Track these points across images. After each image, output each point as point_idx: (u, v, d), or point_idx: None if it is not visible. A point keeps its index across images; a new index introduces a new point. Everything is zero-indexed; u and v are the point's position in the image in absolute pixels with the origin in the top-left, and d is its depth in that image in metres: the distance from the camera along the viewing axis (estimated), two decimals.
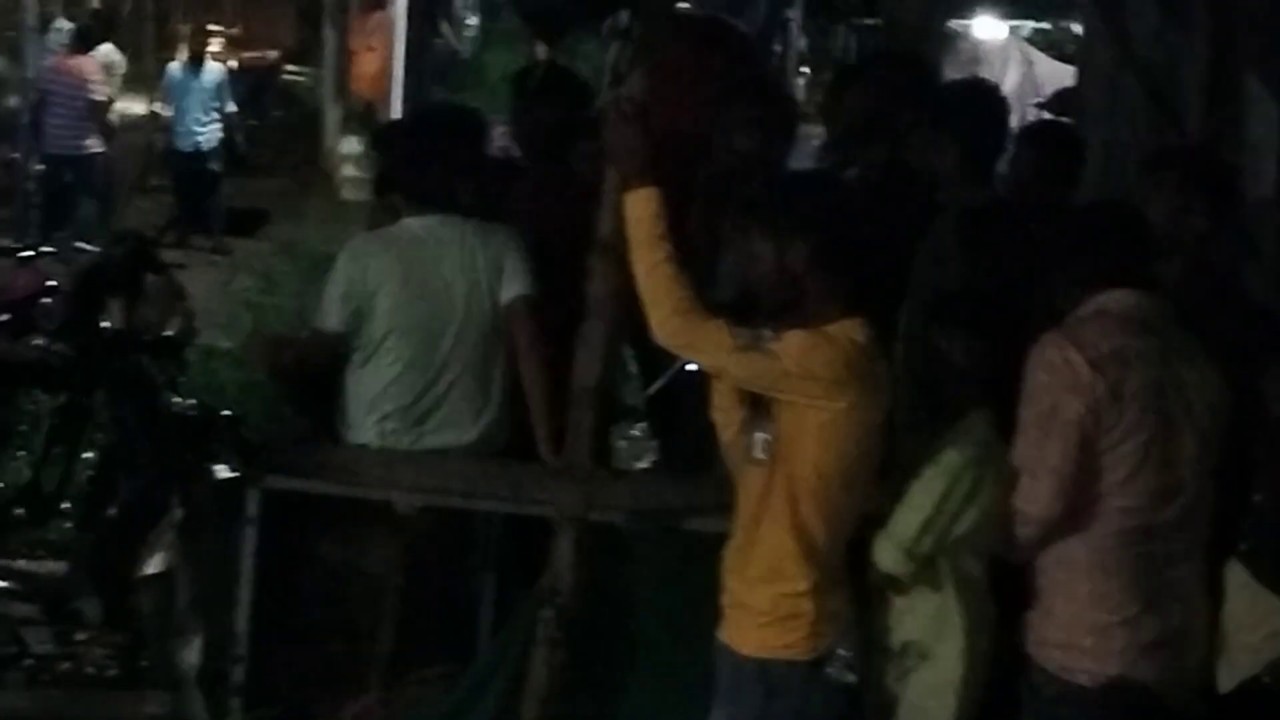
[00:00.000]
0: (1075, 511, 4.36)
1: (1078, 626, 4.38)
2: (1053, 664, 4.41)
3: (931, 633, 4.36)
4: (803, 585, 4.22)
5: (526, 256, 5.67)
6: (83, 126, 16.30)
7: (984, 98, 6.16)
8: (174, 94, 17.43)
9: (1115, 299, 4.44)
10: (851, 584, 4.33)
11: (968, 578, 4.37)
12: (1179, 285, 4.83)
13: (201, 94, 17.22)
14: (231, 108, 17.68)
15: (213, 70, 17.57)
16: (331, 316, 5.64)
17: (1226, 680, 4.47)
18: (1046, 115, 11.52)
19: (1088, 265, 4.51)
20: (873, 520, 4.36)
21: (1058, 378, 4.31)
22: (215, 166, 17.15)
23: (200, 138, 17.04)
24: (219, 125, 17.28)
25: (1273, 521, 4.43)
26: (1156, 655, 4.38)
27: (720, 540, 4.42)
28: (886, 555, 4.33)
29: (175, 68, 17.85)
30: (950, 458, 4.33)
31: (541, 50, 11.81)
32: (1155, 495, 4.35)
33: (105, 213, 16.60)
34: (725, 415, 4.45)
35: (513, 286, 5.65)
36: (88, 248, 9.07)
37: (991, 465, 4.35)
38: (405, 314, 5.61)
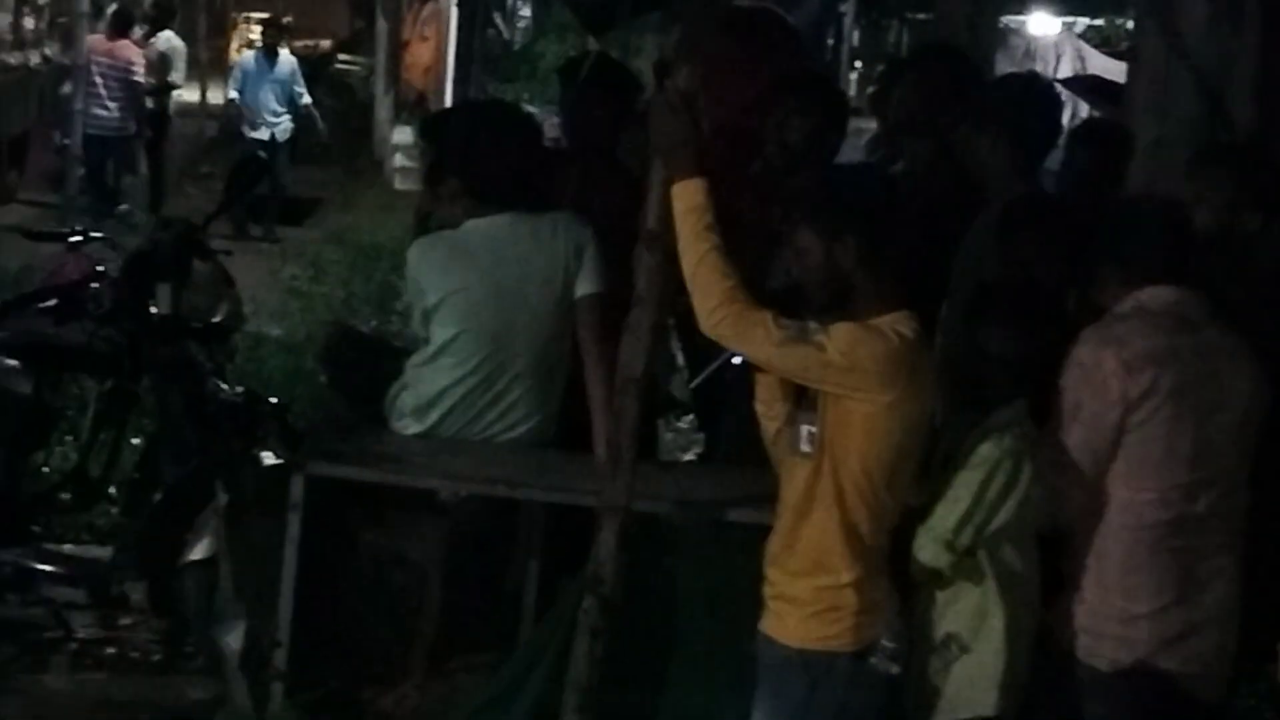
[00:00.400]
0: (1107, 505, 4.42)
1: (1105, 614, 4.45)
2: (1077, 647, 4.47)
3: (972, 625, 4.36)
4: (846, 577, 4.22)
5: (599, 253, 5.67)
6: (123, 109, 16.48)
7: (1036, 93, 6.15)
8: (248, 84, 17.64)
9: (1154, 296, 4.47)
10: (894, 575, 4.33)
11: (1008, 570, 4.37)
12: (1230, 284, 4.82)
13: (275, 84, 17.47)
14: (306, 99, 17.82)
15: (286, 61, 17.90)
16: (419, 325, 5.72)
17: None
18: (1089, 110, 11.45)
19: (1127, 261, 4.54)
20: (914, 512, 4.36)
21: (1087, 377, 4.37)
22: (287, 157, 17.54)
23: (276, 128, 17.37)
24: (291, 115, 17.54)
25: None
26: (1181, 647, 4.42)
27: (765, 532, 4.42)
28: (927, 548, 4.33)
29: (249, 58, 18.03)
30: (988, 450, 4.33)
31: (592, 42, 11.83)
32: (1187, 490, 4.40)
33: (155, 198, 16.77)
34: (768, 408, 4.45)
35: (586, 283, 5.65)
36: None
37: (1028, 457, 4.35)
38: (477, 316, 5.61)
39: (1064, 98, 7.67)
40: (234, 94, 18.02)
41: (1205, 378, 4.41)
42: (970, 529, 4.31)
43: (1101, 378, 4.34)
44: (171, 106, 18.12)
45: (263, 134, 17.37)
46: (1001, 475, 4.31)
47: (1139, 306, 4.47)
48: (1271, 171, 5.20)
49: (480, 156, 5.77)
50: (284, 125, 17.65)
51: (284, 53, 18.16)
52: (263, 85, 17.58)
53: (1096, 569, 4.46)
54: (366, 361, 5.97)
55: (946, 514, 4.31)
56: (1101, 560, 4.45)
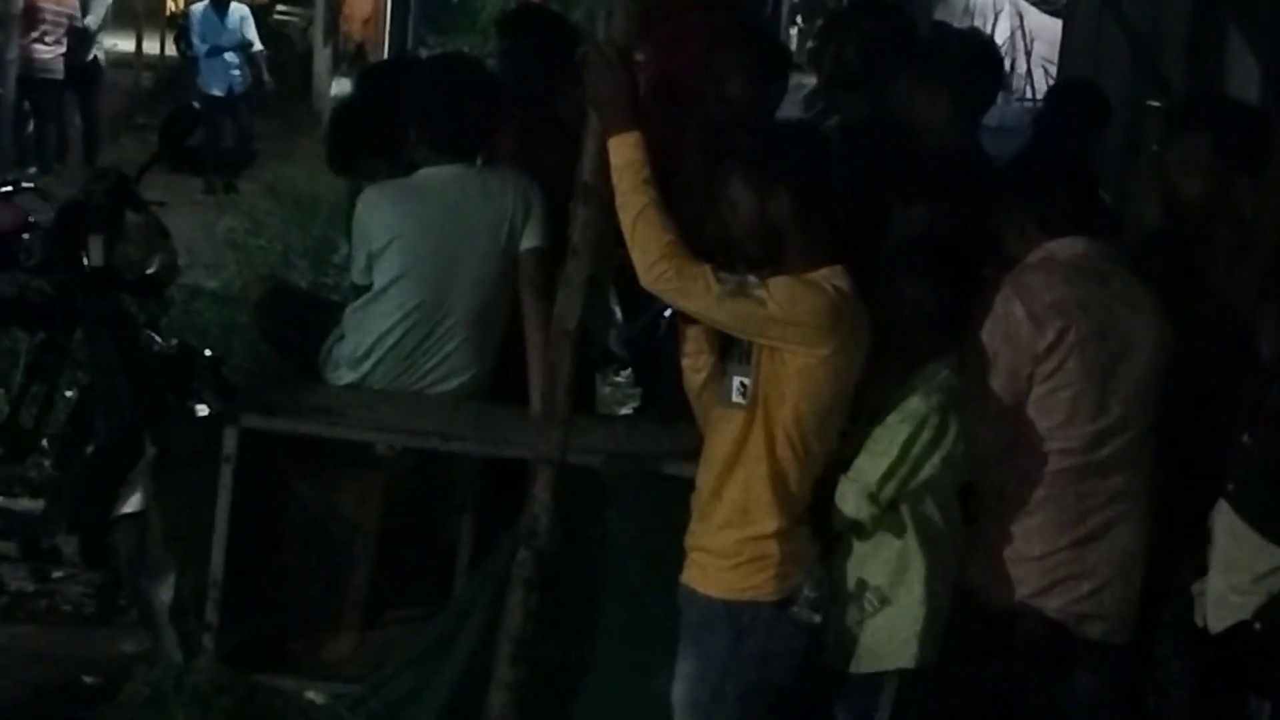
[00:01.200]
0: (1014, 450, 4.49)
1: (1002, 554, 4.53)
2: (973, 585, 4.54)
3: (892, 578, 4.37)
4: (771, 527, 4.24)
5: (545, 209, 5.68)
6: (56, 52, 16.39)
7: (977, 48, 6.16)
8: (200, 36, 17.51)
9: (1063, 246, 4.55)
10: (816, 524, 4.34)
11: (930, 524, 4.38)
12: (1218, 242, 4.91)
13: (229, 35, 17.34)
14: (258, 46, 17.73)
15: (237, 10, 17.67)
16: (361, 273, 5.70)
17: (1216, 621, 4.51)
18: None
19: (1036, 213, 4.60)
20: (838, 463, 4.37)
21: (999, 326, 4.45)
22: (247, 108, 17.60)
23: (234, 80, 17.35)
24: (248, 66, 17.50)
25: (1260, 462, 4.43)
26: (1072, 588, 4.51)
27: (694, 485, 4.43)
28: (850, 500, 4.33)
29: (199, 9, 17.86)
30: (915, 405, 4.33)
31: None
32: (1092, 437, 4.48)
33: (89, 150, 16.64)
34: (694, 360, 4.46)
35: (531, 238, 5.68)
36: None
37: (955, 412, 4.35)
38: (420, 261, 5.63)
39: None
40: (197, 44, 17.82)
41: (1111, 328, 4.48)
42: (894, 482, 4.31)
43: (1013, 327, 4.41)
44: (102, 56, 17.91)
45: (219, 89, 17.33)
46: (928, 431, 4.31)
47: (1048, 257, 4.54)
48: (1255, 128, 5.18)
49: (441, 108, 5.77)
50: (241, 77, 17.58)
51: (234, 3, 17.91)
52: (218, 37, 17.47)
53: (998, 511, 4.54)
54: (300, 316, 5.95)
55: (872, 467, 4.31)
56: (1004, 503, 4.53)
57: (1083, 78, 8.51)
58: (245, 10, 18.08)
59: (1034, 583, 4.47)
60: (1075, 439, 4.45)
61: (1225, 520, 4.46)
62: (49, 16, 16.30)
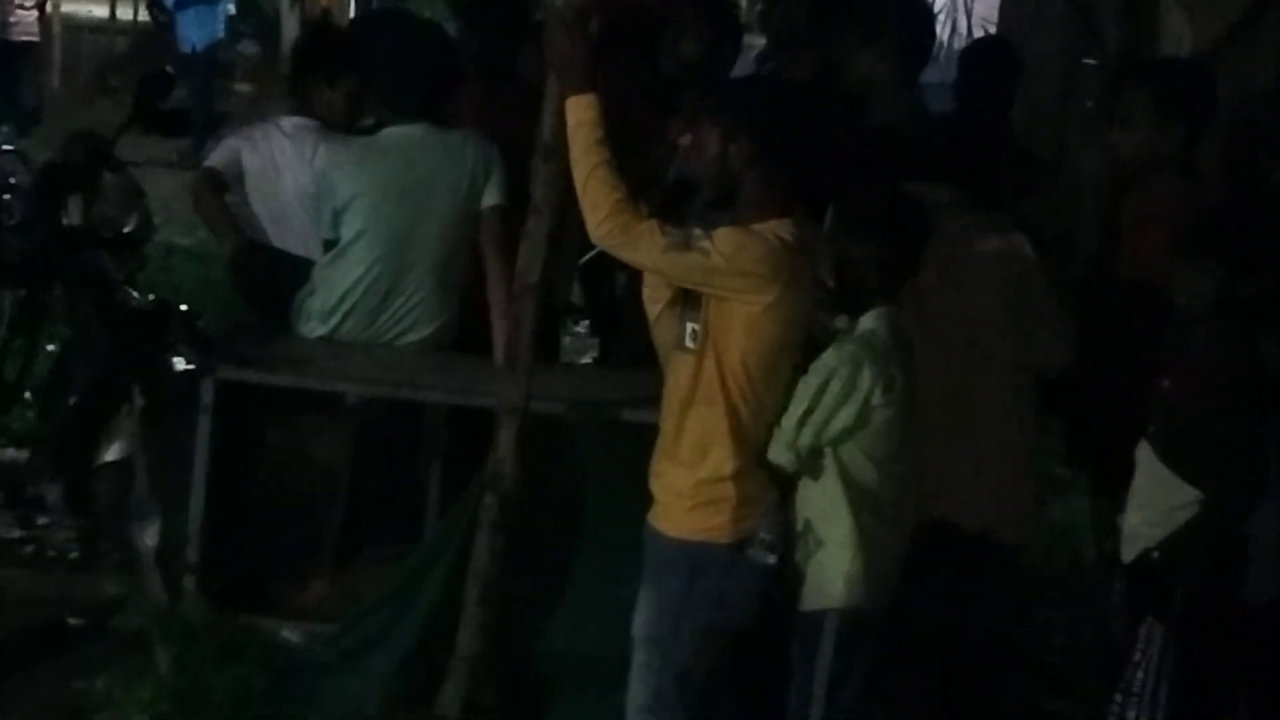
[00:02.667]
0: None
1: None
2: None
3: (821, 522, 4.37)
4: (727, 469, 4.25)
5: (504, 167, 5.68)
6: (33, 16, 16.30)
7: (917, 8, 6.18)
8: None
9: (928, 191, 4.72)
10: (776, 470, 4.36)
11: (853, 477, 4.35)
12: (1168, 195, 4.91)
13: None
14: (230, 9, 17.52)
15: None
16: (326, 226, 5.70)
17: (1129, 551, 4.54)
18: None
19: (907, 165, 4.87)
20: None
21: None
22: (207, 68, 17.14)
23: (197, 41, 16.95)
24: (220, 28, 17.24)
25: (1178, 407, 4.47)
26: (950, 496, 4.74)
27: (656, 431, 4.44)
28: (773, 447, 4.33)
29: None
30: (828, 356, 4.32)
31: None
32: (961, 363, 4.71)
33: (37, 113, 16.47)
34: (653, 290, 4.46)
35: (491, 195, 5.69)
36: None
37: (875, 363, 4.31)
38: (381, 216, 5.64)
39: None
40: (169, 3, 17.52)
41: (968, 254, 4.73)
42: (809, 430, 4.29)
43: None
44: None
45: (187, 47, 16.98)
46: (838, 381, 4.27)
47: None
48: (1198, 82, 5.21)
49: (399, 68, 5.78)
50: (207, 35, 17.16)
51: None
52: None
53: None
54: (272, 272, 5.94)
55: (789, 416, 4.31)
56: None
57: (990, 38, 8.53)
58: None
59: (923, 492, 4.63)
60: (944, 362, 4.72)
61: (1145, 458, 4.50)
62: None
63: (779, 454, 4.32)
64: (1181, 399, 4.48)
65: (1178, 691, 4.44)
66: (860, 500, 4.35)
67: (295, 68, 6.51)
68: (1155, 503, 4.48)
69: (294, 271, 6.04)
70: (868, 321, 4.39)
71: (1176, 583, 4.43)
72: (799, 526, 4.38)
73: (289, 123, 6.12)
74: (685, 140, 4.73)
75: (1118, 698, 4.50)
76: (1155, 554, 4.46)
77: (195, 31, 16.95)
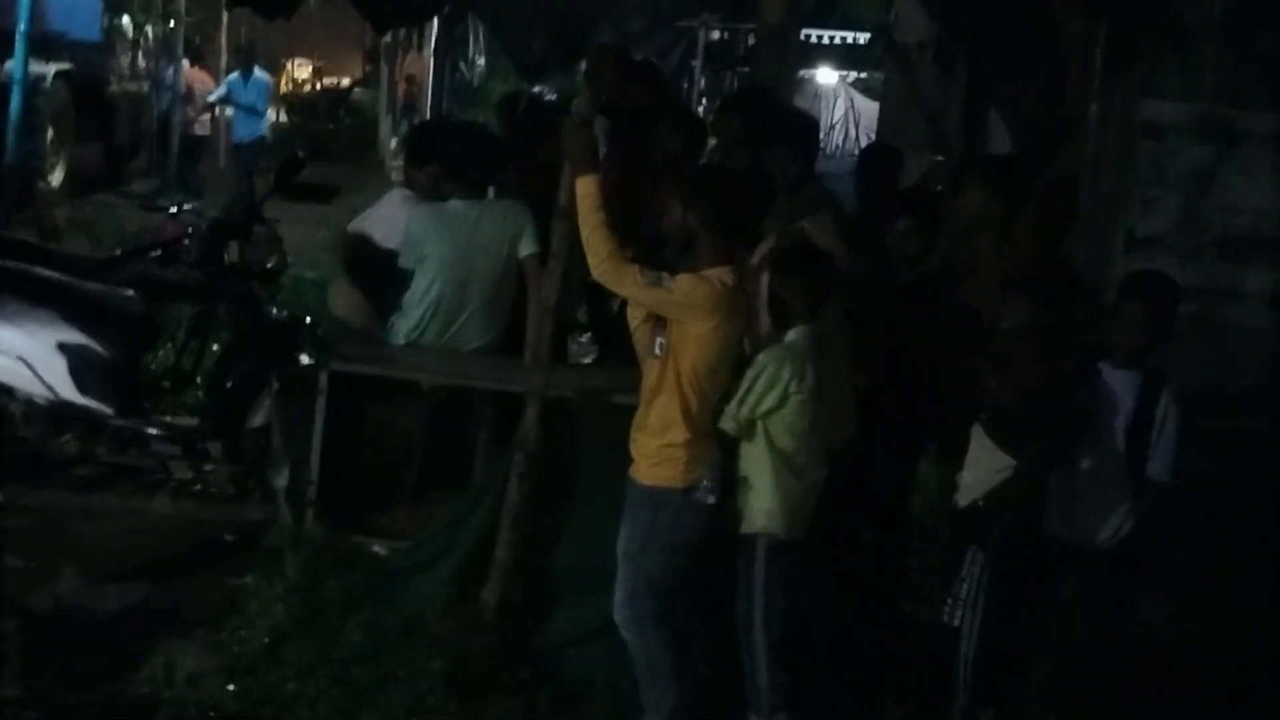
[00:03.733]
0: None
1: None
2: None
3: (755, 470, 4.38)
4: (680, 438, 4.25)
5: (536, 226, 5.63)
6: (205, 117, 16.25)
7: (803, 120, 6.16)
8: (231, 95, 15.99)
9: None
10: (720, 437, 4.35)
11: (777, 444, 4.36)
12: (990, 250, 4.86)
13: (246, 96, 15.77)
14: (261, 108, 16.03)
15: (260, 77, 16.11)
16: (407, 260, 5.64)
17: (963, 499, 4.53)
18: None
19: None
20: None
21: None
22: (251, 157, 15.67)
23: (249, 137, 15.78)
24: (264, 127, 16.19)
25: (1000, 399, 4.47)
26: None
27: (635, 410, 4.44)
28: (722, 419, 4.35)
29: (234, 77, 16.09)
30: (762, 357, 4.35)
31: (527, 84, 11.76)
32: None
33: (200, 188, 16.43)
34: (633, 311, 4.46)
35: (527, 246, 5.64)
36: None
37: (792, 364, 4.33)
38: (449, 267, 5.60)
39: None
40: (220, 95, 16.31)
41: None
42: (745, 407, 4.32)
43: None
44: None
45: (245, 137, 15.66)
46: (765, 375, 4.31)
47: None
48: (1016, 172, 5.15)
49: (462, 161, 5.74)
50: (251, 132, 15.62)
51: (257, 71, 15.98)
52: (241, 97, 15.78)
53: None
54: (374, 261, 5.91)
55: (734, 398, 4.33)
56: None
57: (881, 142, 8.54)
58: (264, 77, 16.22)
59: None
60: None
61: (978, 435, 4.50)
62: (198, 91, 16.19)
63: (725, 423, 4.33)
64: (1002, 394, 4.47)
65: (991, 600, 4.43)
66: (780, 458, 4.36)
67: (402, 155, 6.51)
68: (982, 466, 4.47)
69: (391, 264, 5.97)
70: (791, 335, 4.40)
71: (994, 522, 4.43)
72: (739, 476, 4.38)
73: (399, 194, 6.09)
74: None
75: (949, 603, 4.49)
76: (980, 502, 4.46)
77: (244, 129, 15.69)
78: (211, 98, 16.38)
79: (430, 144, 6.22)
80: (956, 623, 4.46)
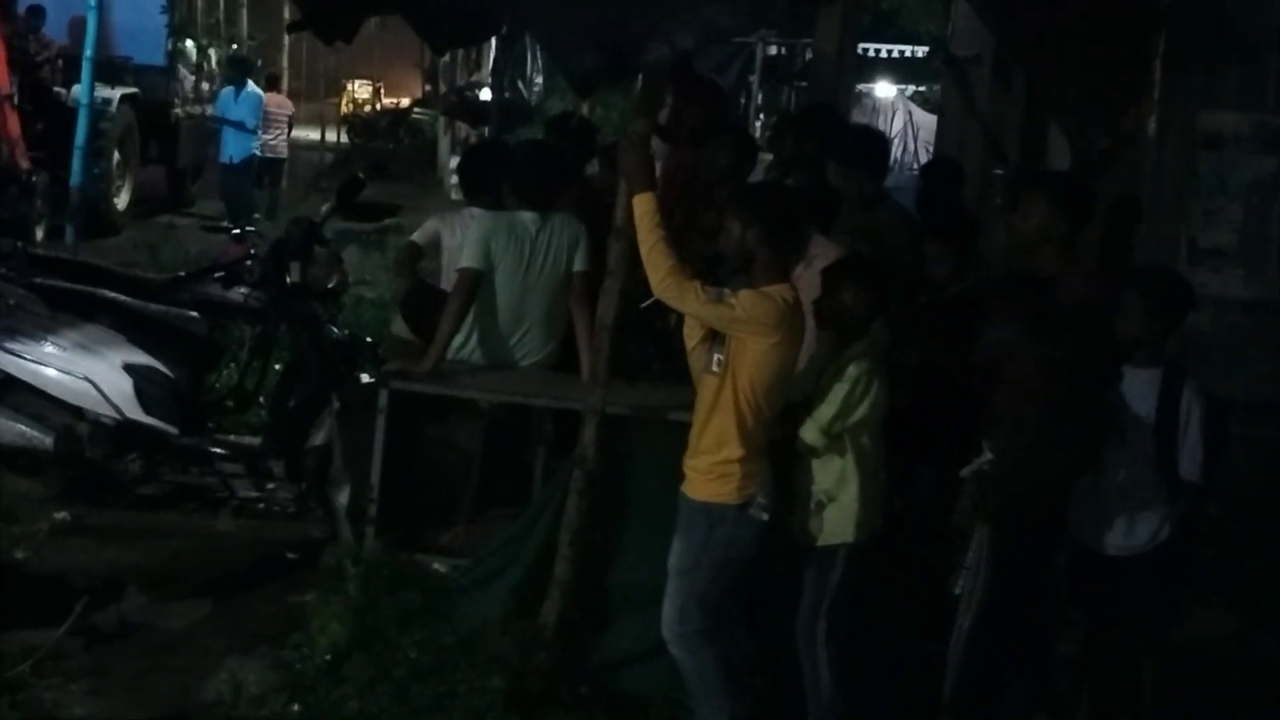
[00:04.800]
0: None
1: None
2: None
3: (837, 484, 4.38)
4: (735, 454, 4.25)
5: (589, 241, 5.62)
6: (277, 139, 16.38)
7: (876, 140, 6.16)
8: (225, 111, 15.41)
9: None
10: (774, 454, 4.35)
11: (863, 450, 4.39)
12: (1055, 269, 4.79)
13: (236, 111, 15.19)
14: (250, 124, 15.25)
15: (251, 91, 15.32)
16: (474, 261, 5.57)
17: (967, 469, 4.50)
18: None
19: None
20: (791, 412, 4.38)
21: None
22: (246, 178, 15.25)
23: (238, 155, 15.13)
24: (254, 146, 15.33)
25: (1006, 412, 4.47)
26: None
27: (689, 427, 4.44)
28: (809, 433, 4.35)
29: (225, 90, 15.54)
30: (853, 370, 4.36)
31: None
32: None
33: (276, 206, 16.57)
34: (690, 329, 4.46)
35: (580, 262, 5.61)
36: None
37: (877, 372, 4.39)
38: (510, 279, 5.57)
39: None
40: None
41: None
42: (840, 422, 4.34)
43: None
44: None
45: (224, 158, 15.04)
46: (860, 387, 4.34)
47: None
48: (1080, 191, 5.03)
49: (526, 177, 5.72)
50: (242, 151, 14.94)
51: (250, 86, 15.31)
52: (229, 113, 15.23)
53: None
54: (430, 304, 5.94)
55: (825, 411, 4.34)
56: None
57: (944, 156, 8.49)
58: (256, 91, 15.45)
59: None
60: None
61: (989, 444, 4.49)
62: (274, 115, 16.36)
63: (814, 438, 4.36)
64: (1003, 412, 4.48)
65: (995, 572, 4.44)
66: (864, 469, 4.39)
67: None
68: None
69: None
70: (859, 345, 4.42)
71: (994, 492, 4.42)
72: (812, 490, 4.40)
73: (469, 211, 6.08)
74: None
75: (956, 571, 4.49)
76: (986, 465, 4.42)
77: (235, 147, 14.99)
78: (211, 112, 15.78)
79: (481, 169, 6.20)
80: (958, 590, 4.47)
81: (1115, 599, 4.54)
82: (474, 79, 21.93)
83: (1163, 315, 4.45)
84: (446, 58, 21.57)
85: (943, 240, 5.24)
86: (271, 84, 17.20)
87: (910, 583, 4.86)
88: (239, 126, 14.92)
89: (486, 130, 16.97)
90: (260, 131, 15.68)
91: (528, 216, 5.61)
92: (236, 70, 15.31)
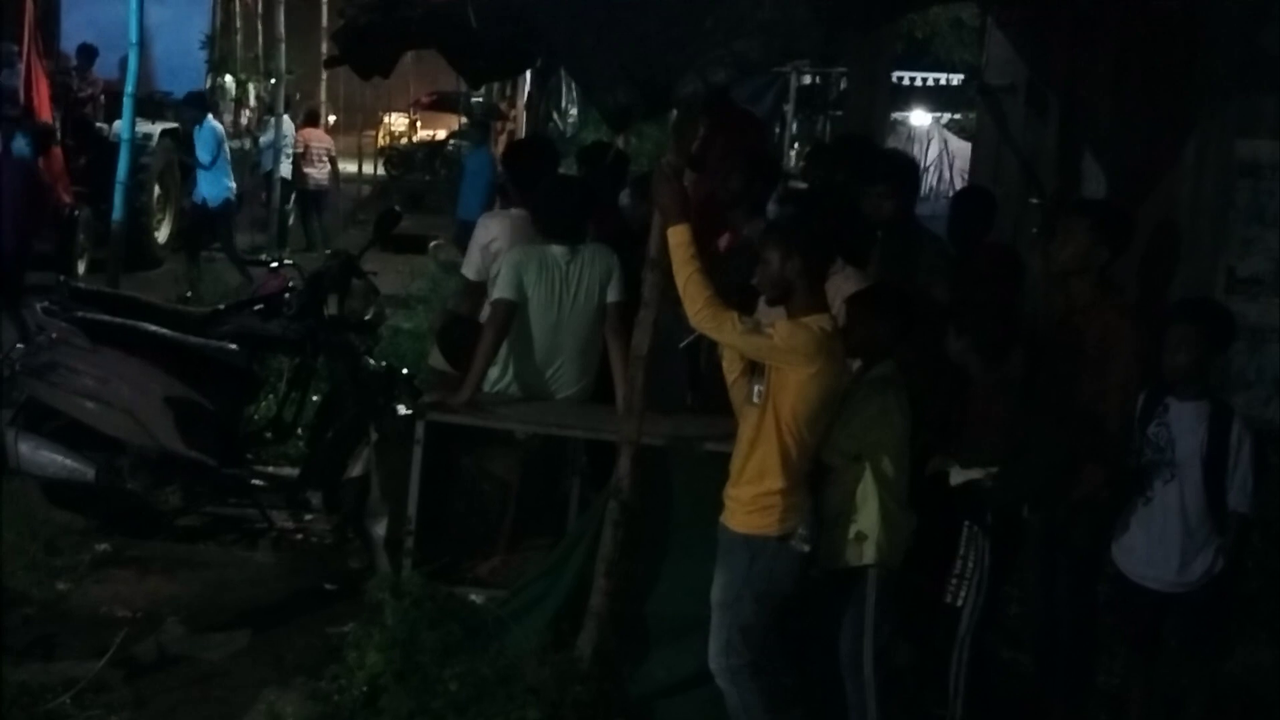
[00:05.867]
0: None
1: None
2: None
3: (856, 499, 4.38)
4: (777, 486, 4.24)
5: (622, 272, 5.62)
6: (319, 173, 16.58)
7: (907, 165, 6.15)
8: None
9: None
10: (813, 484, 4.35)
11: (882, 472, 4.38)
12: (1090, 297, 4.81)
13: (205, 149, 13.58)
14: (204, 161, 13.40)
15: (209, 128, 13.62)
16: (506, 292, 5.56)
17: (956, 479, 4.50)
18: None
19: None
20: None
21: None
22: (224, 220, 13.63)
23: (215, 199, 13.42)
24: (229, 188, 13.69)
25: (972, 438, 4.50)
26: None
27: (728, 458, 4.44)
28: (826, 453, 4.37)
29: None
30: (863, 391, 4.40)
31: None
32: None
33: (326, 237, 16.77)
34: (730, 364, 4.48)
35: (614, 293, 5.60)
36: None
37: (895, 395, 4.40)
38: (544, 311, 5.57)
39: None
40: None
41: None
42: (856, 442, 4.36)
43: None
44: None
45: (198, 199, 13.59)
46: (874, 406, 4.37)
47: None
48: (1121, 218, 5.05)
49: (562, 211, 5.72)
50: (219, 193, 13.37)
51: (209, 120, 13.79)
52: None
53: None
54: (466, 338, 5.96)
55: (844, 431, 4.36)
56: None
57: (973, 186, 8.44)
58: (215, 126, 13.86)
59: None
60: None
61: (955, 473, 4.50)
62: (315, 148, 16.55)
63: (830, 458, 4.37)
64: (974, 431, 4.51)
65: (994, 581, 4.46)
66: (885, 488, 4.38)
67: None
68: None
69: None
70: (881, 369, 4.44)
71: (988, 502, 4.44)
72: (833, 510, 4.39)
73: (514, 211, 6.03)
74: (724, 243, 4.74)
75: (952, 583, 4.49)
76: (986, 481, 4.43)
77: (208, 189, 13.36)
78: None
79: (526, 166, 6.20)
80: (960, 602, 4.45)
81: (1163, 633, 4.51)
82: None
83: (1214, 348, 4.42)
84: (482, 91, 21.66)
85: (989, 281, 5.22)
86: (310, 119, 17.39)
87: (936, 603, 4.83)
88: (203, 167, 13.42)
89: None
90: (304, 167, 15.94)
91: (557, 250, 5.62)
92: (193, 107, 13.84)
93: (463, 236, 15.47)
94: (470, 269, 5.94)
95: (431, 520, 5.46)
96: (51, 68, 13.39)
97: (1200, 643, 4.49)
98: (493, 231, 5.91)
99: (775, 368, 4.21)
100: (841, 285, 4.75)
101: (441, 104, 26.82)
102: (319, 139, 16.93)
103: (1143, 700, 4.60)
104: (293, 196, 16.59)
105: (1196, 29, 6.01)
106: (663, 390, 5.21)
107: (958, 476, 4.47)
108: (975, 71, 12.00)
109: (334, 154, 17.13)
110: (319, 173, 16.61)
